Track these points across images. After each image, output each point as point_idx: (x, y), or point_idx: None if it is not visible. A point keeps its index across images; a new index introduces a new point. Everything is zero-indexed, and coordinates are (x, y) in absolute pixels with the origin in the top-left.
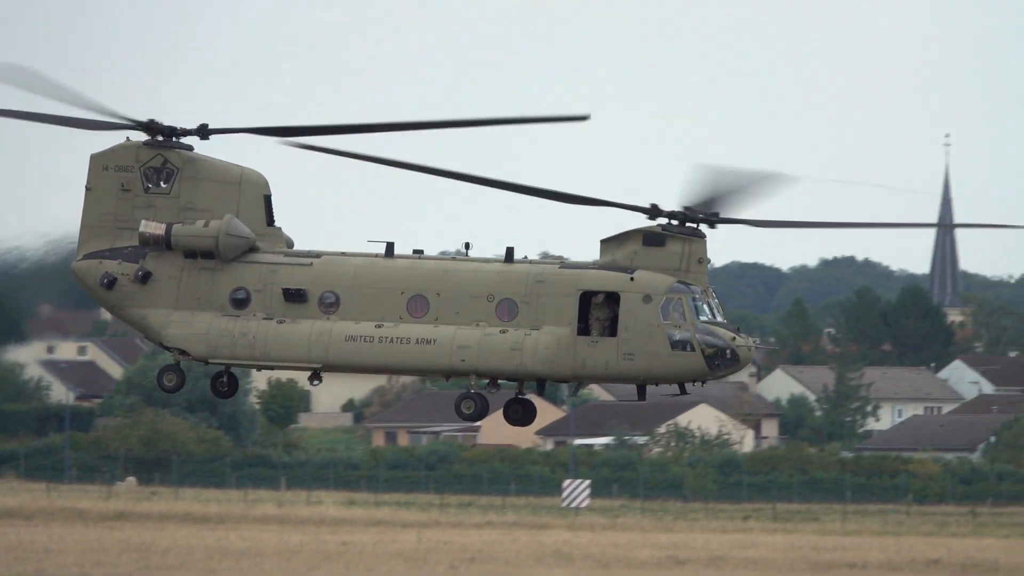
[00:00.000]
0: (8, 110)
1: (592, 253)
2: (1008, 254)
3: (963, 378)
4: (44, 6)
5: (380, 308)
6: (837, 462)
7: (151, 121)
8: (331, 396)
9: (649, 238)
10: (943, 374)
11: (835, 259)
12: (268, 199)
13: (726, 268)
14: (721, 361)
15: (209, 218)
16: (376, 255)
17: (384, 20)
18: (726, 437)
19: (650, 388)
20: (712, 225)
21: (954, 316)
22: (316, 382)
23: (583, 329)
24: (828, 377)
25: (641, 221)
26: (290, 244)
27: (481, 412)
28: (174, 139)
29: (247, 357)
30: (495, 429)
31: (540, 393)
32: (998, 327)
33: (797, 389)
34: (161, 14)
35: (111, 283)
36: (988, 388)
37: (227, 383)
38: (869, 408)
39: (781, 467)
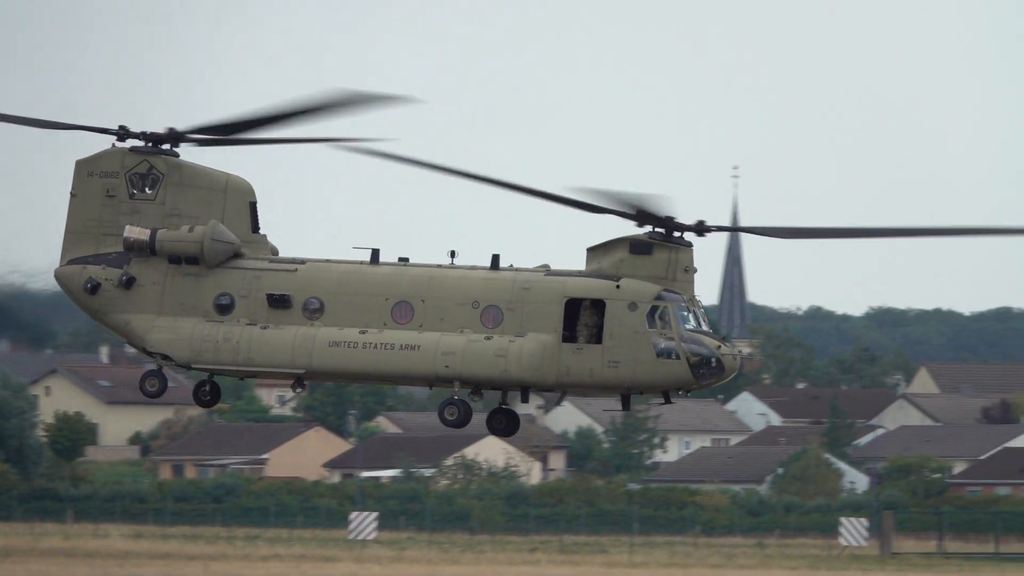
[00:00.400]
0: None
1: (579, 262)
2: (795, 287)
3: (751, 410)
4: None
5: (364, 314)
6: (624, 494)
7: (121, 128)
8: (118, 429)
9: (636, 246)
10: (731, 406)
11: None
12: (253, 206)
13: None
14: (706, 370)
15: (194, 224)
16: (361, 262)
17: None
18: (513, 469)
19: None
20: (700, 234)
21: (742, 348)
22: (299, 389)
23: (568, 336)
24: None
25: (628, 229)
26: (275, 252)
27: (464, 419)
28: (160, 145)
29: (230, 363)
30: (282, 462)
31: (524, 401)
32: (785, 359)
33: (584, 421)
34: (138, 19)
35: (94, 288)
36: (776, 420)
37: (209, 392)
38: (657, 440)
39: (568, 499)
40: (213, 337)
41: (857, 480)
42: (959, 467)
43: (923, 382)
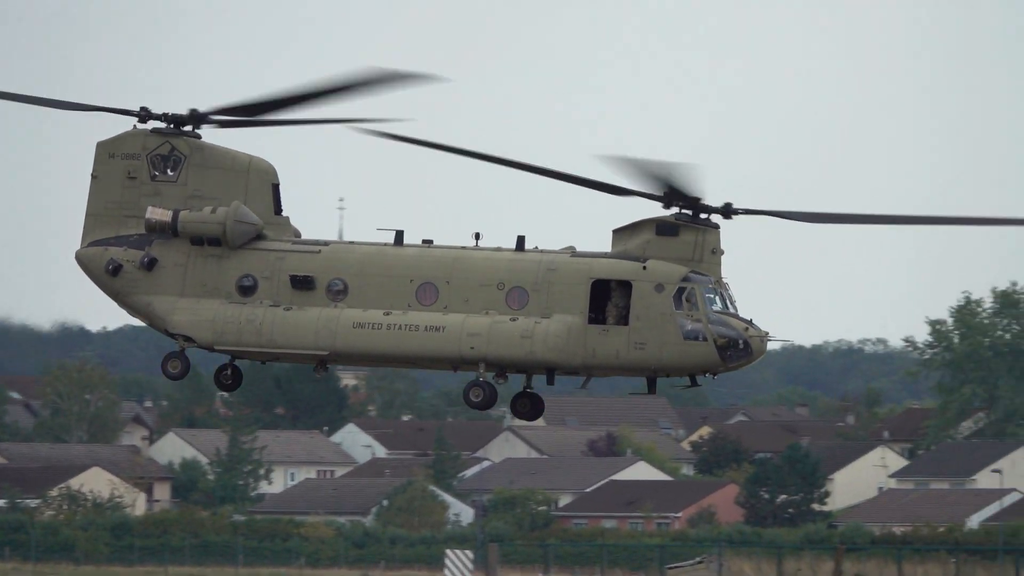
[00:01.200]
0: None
1: (605, 244)
2: None
3: (356, 442)
4: None
5: (388, 296)
6: (230, 525)
7: (143, 109)
8: None
9: (662, 227)
10: (336, 437)
11: None
12: (276, 188)
13: (120, 331)
14: (734, 352)
15: (217, 206)
16: (385, 244)
17: None
18: (118, 500)
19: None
20: (727, 216)
21: (347, 380)
22: (322, 372)
23: (594, 318)
24: (221, 440)
25: (655, 211)
26: (297, 235)
27: (490, 401)
28: (181, 127)
29: (253, 344)
30: None
31: (550, 383)
32: (391, 391)
33: (189, 452)
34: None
35: (116, 269)
36: (381, 452)
37: (231, 376)
38: (262, 471)
39: (173, 530)
40: (236, 319)
41: (463, 512)
42: (565, 499)
43: None
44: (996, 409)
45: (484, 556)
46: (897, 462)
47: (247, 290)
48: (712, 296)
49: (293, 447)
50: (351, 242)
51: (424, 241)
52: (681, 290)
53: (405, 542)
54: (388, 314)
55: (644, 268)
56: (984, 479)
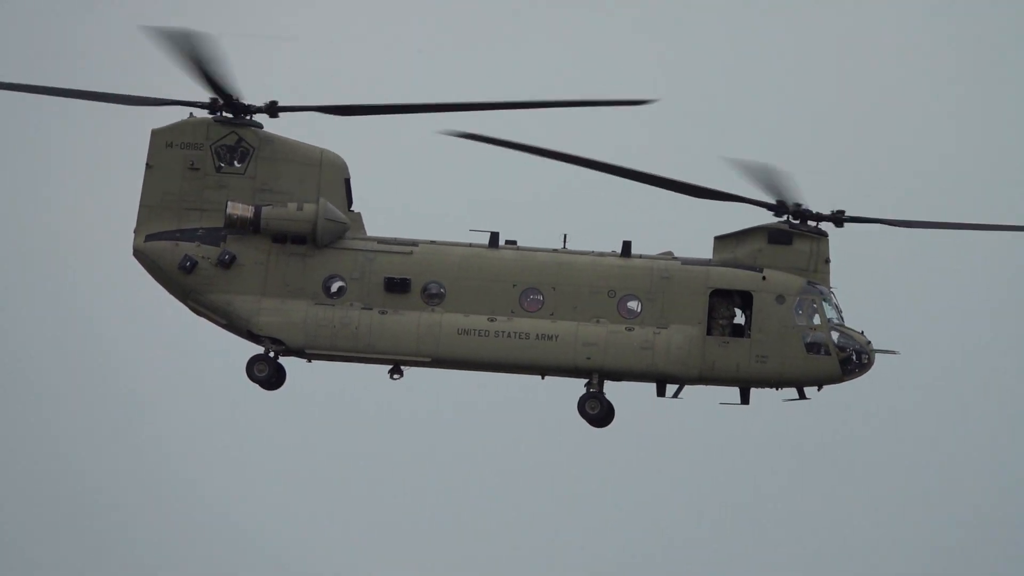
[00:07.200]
0: (64, 89)
1: (695, 249)
2: None
3: None
4: None
5: (490, 301)
6: None
7: (214, 100)
8: None
9: (775, 236)
10: None
11: None
12: (348, 182)
13: None
14: (854, 365)
15: (289, 201)
16: (476, 245)
17: None
18: None
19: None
20: (839, 224)
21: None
22: (396, 375)
23: (710, 329)
24: None
25: (760, 218)
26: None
27: (607, 413)
28: (246, 116)
29: (349, 349)
30: None
31: (660, 395)
32: None
33: None
34: None
35: (192, 266)
36: None
37: (275, 373)
38: None
39: None
40: (329, 321)
41: None
42: None
43: None
44: None
45: None
46: None
47: (335, 291)
48: (830, 307)
49: None
50: (432, 241)
51: (508, 242)
52: (802, 301)
53: None
54: (493, 320)
55: (763, 278)
56: None
